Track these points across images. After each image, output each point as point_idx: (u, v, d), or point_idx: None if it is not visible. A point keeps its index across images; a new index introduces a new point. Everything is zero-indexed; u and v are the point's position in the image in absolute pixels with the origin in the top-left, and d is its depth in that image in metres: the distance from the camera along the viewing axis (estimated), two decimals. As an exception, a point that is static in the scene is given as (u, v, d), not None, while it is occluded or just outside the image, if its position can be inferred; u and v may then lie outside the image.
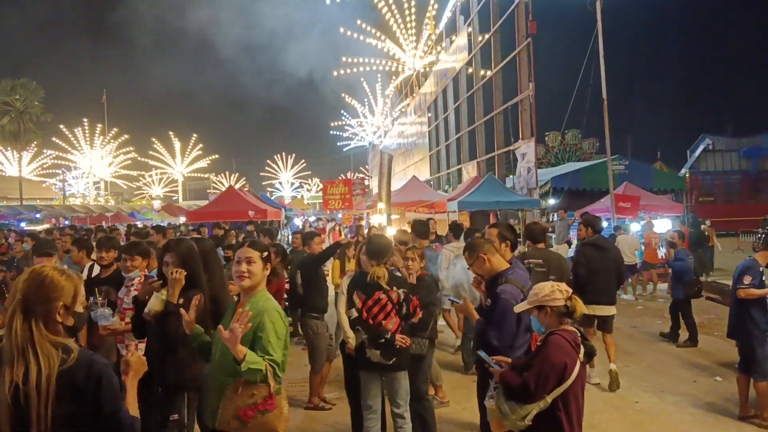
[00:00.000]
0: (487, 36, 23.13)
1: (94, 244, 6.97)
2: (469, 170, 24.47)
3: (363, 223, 19.62)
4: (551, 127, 44.26)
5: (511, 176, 21.20)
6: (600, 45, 15.84)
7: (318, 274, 6.72)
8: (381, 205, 16.00)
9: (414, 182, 21.43)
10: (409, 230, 8.37)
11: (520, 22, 18.98)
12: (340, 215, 25.04)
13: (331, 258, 8.17)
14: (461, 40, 26.04)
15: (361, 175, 67.28)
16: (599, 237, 7.61)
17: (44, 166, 69.38)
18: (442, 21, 33.08)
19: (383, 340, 4.46)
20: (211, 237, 11.74)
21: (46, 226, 36.55)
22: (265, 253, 3.27)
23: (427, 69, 38.47)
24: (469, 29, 25.12)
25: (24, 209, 41.42)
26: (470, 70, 25.63)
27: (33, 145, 60.92)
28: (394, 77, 52.12)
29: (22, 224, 34.43)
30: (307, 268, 6.65)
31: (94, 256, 6.72)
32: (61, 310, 2.27)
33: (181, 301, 3.81)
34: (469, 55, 24.89)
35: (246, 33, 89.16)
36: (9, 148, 61.94)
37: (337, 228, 21.07)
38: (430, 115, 33.71)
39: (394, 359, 4.49)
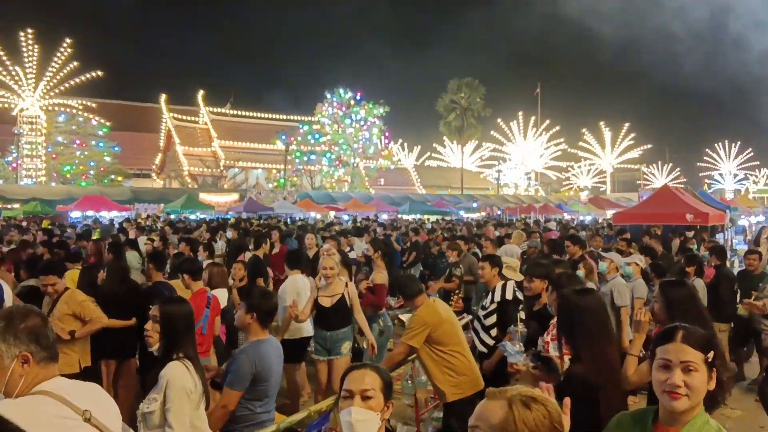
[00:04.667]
0: None
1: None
2: None
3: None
4: None
5: None
6: None
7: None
8: None
9: None
10: None
11: None
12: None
13: None
14: None
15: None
16: None
17: (483, 158, 76.06)
18: None
19: None
20: (641, 248, 10.14)
21: (482, 213, 39.53)
22: (711, 354, 1.91)
23: None
24: None
25: (463, 198, 45.71)
26: None
27: (474, 138, 67.02)
28: None
29: (461, 212, 37.82)
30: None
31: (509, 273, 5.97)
32: None
33: None
34: None
35: (698, 17, 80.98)
36: (454, 142, 69.52)
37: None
38: None
39: None
